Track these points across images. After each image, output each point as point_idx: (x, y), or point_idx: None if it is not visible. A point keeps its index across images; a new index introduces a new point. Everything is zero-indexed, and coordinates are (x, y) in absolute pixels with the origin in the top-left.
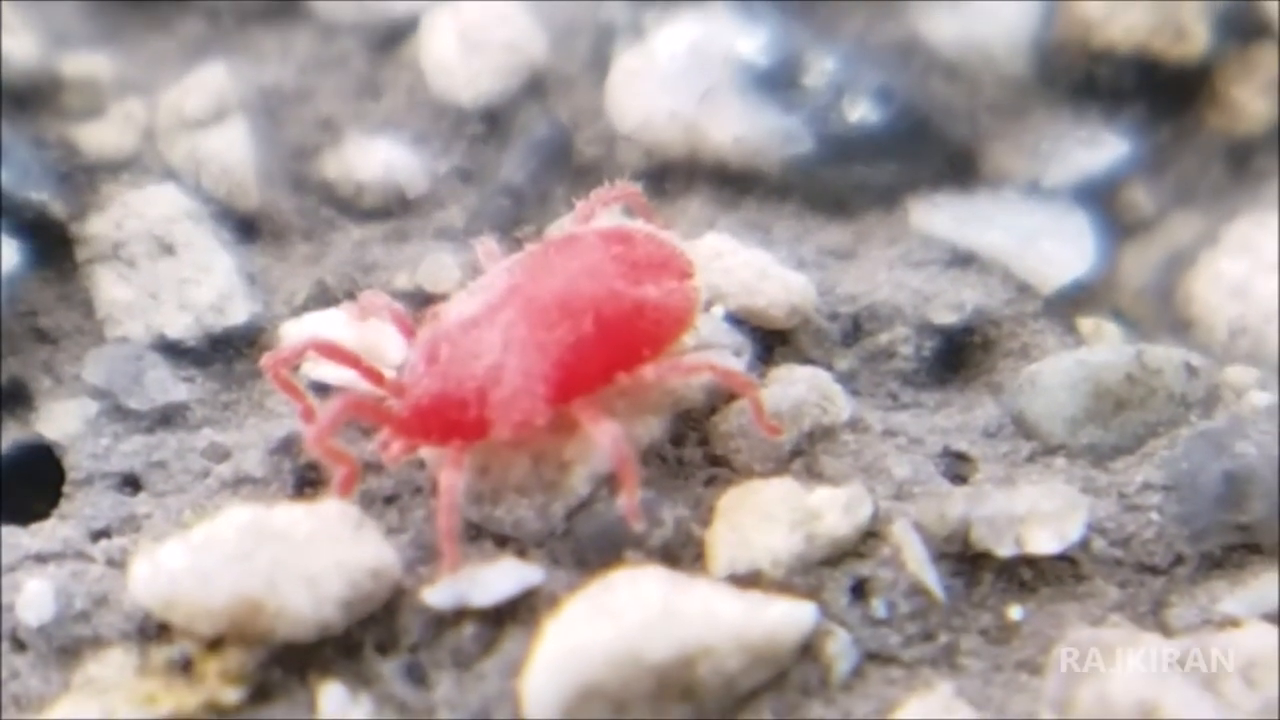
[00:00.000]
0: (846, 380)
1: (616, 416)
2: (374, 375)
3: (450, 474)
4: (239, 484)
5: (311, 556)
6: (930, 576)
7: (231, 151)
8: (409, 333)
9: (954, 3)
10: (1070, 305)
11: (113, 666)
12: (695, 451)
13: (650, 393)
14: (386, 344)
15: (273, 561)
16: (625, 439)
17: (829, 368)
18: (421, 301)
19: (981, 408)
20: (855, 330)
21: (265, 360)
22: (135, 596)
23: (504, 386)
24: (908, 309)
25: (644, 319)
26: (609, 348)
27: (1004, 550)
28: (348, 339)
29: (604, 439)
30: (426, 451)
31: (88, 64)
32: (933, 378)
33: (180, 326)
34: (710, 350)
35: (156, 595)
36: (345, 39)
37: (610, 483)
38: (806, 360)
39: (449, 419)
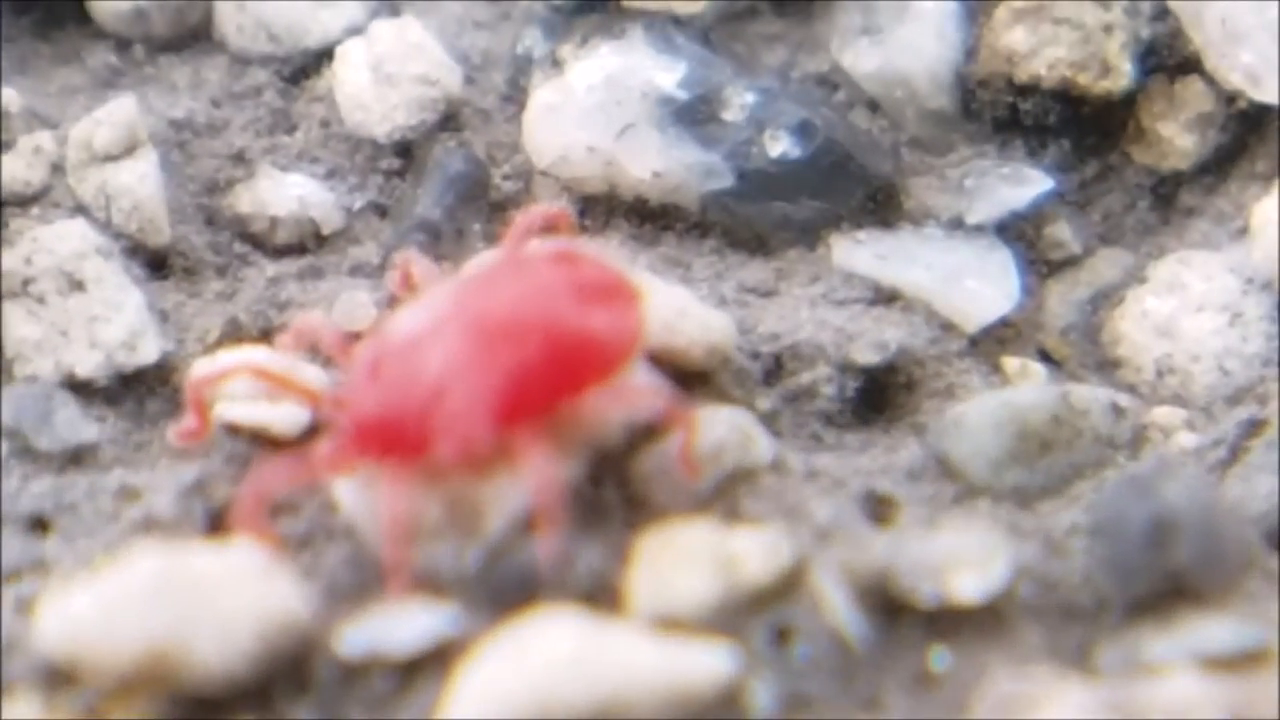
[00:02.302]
0: (768, 421)
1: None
2: (309, 396)
3: (393, 492)
4: (150, 526)
5: (222, 603)
6: (851, 623)
7: (142, 186)
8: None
9: (875, 36)
10: (995, 344)
11: (18, 711)
12: (613, 493)
13: (594, 420)
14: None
15: (182, 609)
16: (555, 476)
17: (750, 408)
18: None
19: (905, 449)
20: (777, 370)
21: (192, 377)
22: (42, 643)
23: (447, 407)
24: (830, 348)
25: (590, 345)
26: (554, 373)
27: (926, 596)
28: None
29: (530, 473)
30: (340, 493)
31: None
32: (856, 418)
33: (90, 365)
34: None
35: (63, 642)
36: (257, 71)
37: (528, 525)
38: (727, 400)
39: (391, 436)
